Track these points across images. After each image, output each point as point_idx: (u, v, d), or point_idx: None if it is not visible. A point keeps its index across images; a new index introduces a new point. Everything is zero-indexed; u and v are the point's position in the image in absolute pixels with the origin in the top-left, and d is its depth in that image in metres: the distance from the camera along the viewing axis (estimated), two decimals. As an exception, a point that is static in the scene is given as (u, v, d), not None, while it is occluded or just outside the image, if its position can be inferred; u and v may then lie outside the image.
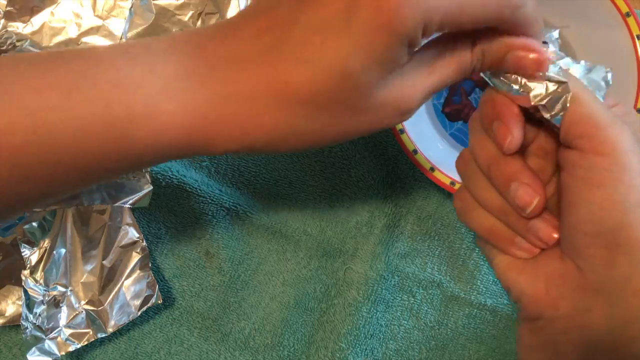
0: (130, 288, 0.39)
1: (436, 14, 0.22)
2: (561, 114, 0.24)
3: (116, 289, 0.39)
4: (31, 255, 0.39)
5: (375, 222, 0.40)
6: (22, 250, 0.39)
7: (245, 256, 0.41)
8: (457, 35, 0.25)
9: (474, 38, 0.25)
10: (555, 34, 0.27)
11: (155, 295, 0.38)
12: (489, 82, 0.26)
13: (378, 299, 0.39)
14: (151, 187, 0.38)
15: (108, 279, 0.39)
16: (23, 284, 0.38)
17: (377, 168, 0.41)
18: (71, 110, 0.22)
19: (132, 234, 0.39)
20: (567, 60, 0.26)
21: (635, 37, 0.34)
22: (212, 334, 0.40)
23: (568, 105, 0.24)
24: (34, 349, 0.37)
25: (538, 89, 0.24)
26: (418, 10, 0.21)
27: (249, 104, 0.23)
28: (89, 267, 0.39)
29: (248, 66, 0.23)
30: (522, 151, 0.27)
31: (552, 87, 0.24)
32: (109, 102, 0.22)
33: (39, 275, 0.39)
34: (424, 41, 0.24)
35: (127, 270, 0.39)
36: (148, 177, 0.38)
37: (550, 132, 0.26)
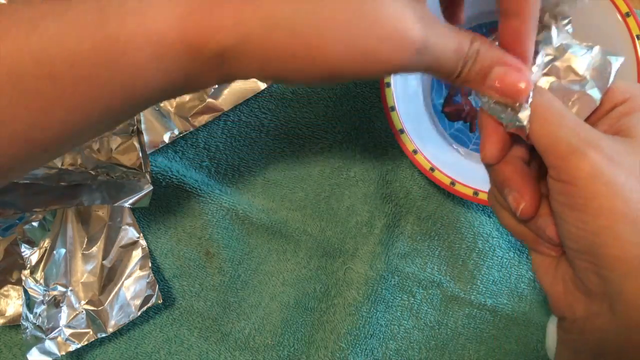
0: (130, 288, 0.39)
1: None
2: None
3: (116, 289, 0.39)
4: (31, 255, 0.39)
5: (375, 222, 0.40)
6: (22, 251, 0.39)
7: (245, 256, 0.41)
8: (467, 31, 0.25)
9: (471, 35, 0.25)
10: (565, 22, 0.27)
11: (155, 295, 0.38)
12: (483, 106, 0.26)
13: (378, 299, 0.39)
14: (151, 187, 0.38)
15: (108, 278, 0.39)
16: (23, 283, 0.38)
17: (377, 168, 0.41)
18: (63, 14, 0.21)
19: (132, 233, 0.39)
20: (576, 48, 0.26)
21: (635, 37, 0.34)
22: (212, 333, 0.40)
23: (526, 132, 0.24)
24: (34, 348, 0.37)
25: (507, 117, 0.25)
26: None
27: None
28: (89, 267, 0.39)
29: None
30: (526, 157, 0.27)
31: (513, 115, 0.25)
32: (101, 2, 0.21)
33: (39, 275, 0.39)
34: None
35: (127, 270, 0.39)
36: (148, 177, 0.38)
37: None
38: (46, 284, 0.39)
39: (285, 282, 0.40)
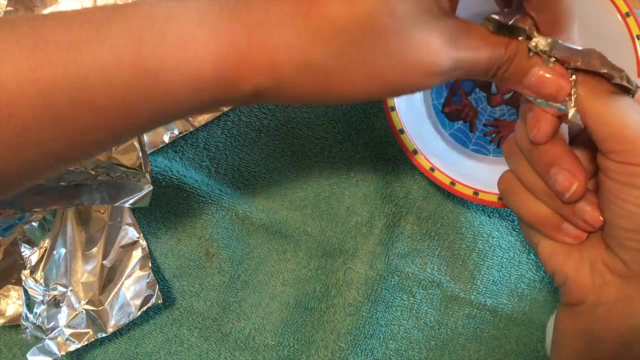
0: (130, 288, 0.39)
1: None
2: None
3: (116, 289, 0.39)
4: (31, 255, 0.39)
5: (375, 222, 0.40)
6: (22, 250, 0.39)
7: (245, 256, 0.41)
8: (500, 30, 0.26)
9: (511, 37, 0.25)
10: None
11: (155, 295, 0.38)
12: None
13: (378, 299, 0.39)
14: (151, 187, 0.38)
15: (108, 278, 0.39)
16: (23, 283, 0.38)
17: (377, 168, 0.41)
18: (102, 42, 0.21)
19: (132, 234, 0.39)
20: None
21: (635, 37, 0.34)
22: (212, 334, 0.40)
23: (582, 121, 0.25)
24: (34, 348, 0.37)
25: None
26: None
27: (277, 32, 0.22)
28: (89, 267, 0.39)
29: None
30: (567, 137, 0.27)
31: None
32: (141, 33, 0.22)
33: (39, 275, 0.39)
34: None
35: (127, 270, 0.39)
36: (148, 177, 0.38)
37: None
38: (46, 284, 0.39)
39: (285, 282, 0.40)
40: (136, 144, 0.37)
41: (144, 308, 0.38)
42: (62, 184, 0.38)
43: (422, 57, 0.24)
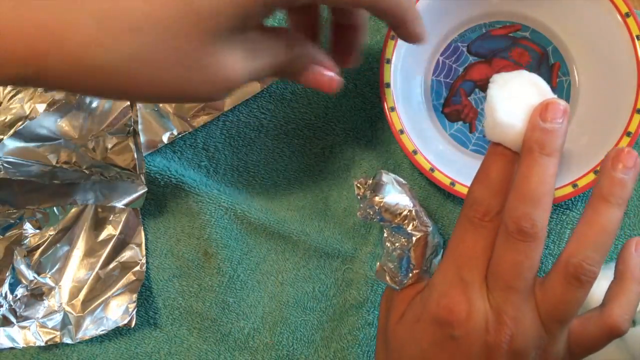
0: (113, 305, 0.39)
1: None
2: None
3: (99, 301, 0.38)
4: (32, 236, 0.38)
5: (375, 222, 0.40)
6: (24, 227, 0.38)
7: (244, 256, 0.41)
8: (283, 32, 0.28)
9: (292, 41, 0.28)
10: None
11: (129, 318, 0.38)
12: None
13: (377, 299, 0.39)
14: (146, 189, 0.38)
15: (97, 289, 0.39)
16: (13, 261, 0.37)
17: (376, 168, 0.41)
18: None
19: (136, 254, 0.39)
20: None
21: (635, 37, 0.34)
22: (211, 334, 0.40)
23: None
24: (0, 329, 0.37)
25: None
26: None
27: (56, 16, 0.21)
28: (84, 272, 0.39)
29: None
30: None
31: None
32: None
33: (33, 260, 0.38)
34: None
35: (118, 288, 0.39)
36: (143, 178, 0.38)
37: None
38: (37, 272, 0.38)
39: (284, 281, 0.40)
40: (132, 144, 0.37)
41: (113, 327, 0.38)
42: (56, 182, 0.38)
43: (221, 73, 0.24)
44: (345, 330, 0.39)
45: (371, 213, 0.32)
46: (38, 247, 0.38)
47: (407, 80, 0.38)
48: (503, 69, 0.39)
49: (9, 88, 0.37)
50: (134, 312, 0.38)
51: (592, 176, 0.34)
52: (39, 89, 0.37)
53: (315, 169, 0.41)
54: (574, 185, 0.35)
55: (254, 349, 0.40)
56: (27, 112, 0.36)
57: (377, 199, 0.32)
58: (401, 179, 0.34)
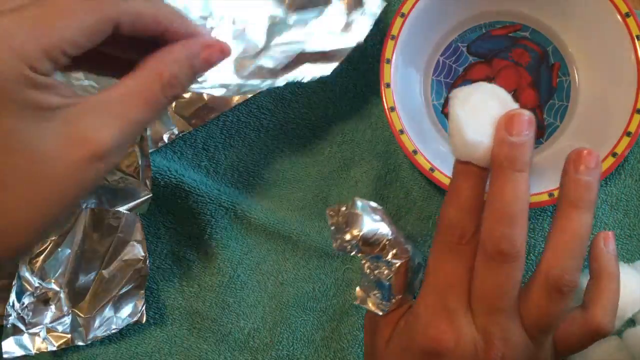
0: (121, 303, 0.39)
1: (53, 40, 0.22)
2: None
3: (106, 301, 0.39)
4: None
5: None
6: None
7: (244, 256, 0.41)
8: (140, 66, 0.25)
9: (159, 66, 0.25)
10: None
11: (139, 314, 0.38)
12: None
13: (377, 299, 0.39)
14: (150, 194, 0.38)
15: (103, 289, 0.39)
16: (19, 270, 0.37)
17: (376, 168, 0.41)
18: None
19: (138, 251, 0.39)
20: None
21: (635, 37, 0.34)
22: (211, 334, 0.40)
23: None
24: (10, 338, 0.37)
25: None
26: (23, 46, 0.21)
27: None
28: (88, 274, 0.39)
29: None
30: None
31: None
32: None
33: (37, 266, 0.38)
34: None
35: (123, 286, 0.39)
36: (148, 183, 0.38)
37: None
38: (42, 278, 0.38)
39: (284, 281, 0.40)
40: (137, 150, 0.37)
41: (124, 324, 0.38)
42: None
43: (75, 147, 0.23)
44: (345, 330, 0.39)
45: (348, 247, 0.31)
46: (40, 253, 0.38)
47: (407, 80, 0.38)
48: (503, 69, 0.39)
49: None
50: (144, 308, 0.38)
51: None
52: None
53: (315, 169, 0.41)
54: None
55: (254, 349, 0.40)
56: None
57: (354, 232, 0.31)
58: (375, 204, 0.32)
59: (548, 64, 0.38)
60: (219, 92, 0.33)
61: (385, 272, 0.31)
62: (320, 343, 0.39)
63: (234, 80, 0.34)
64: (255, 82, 0.34)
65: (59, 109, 0.23)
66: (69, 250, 0.39)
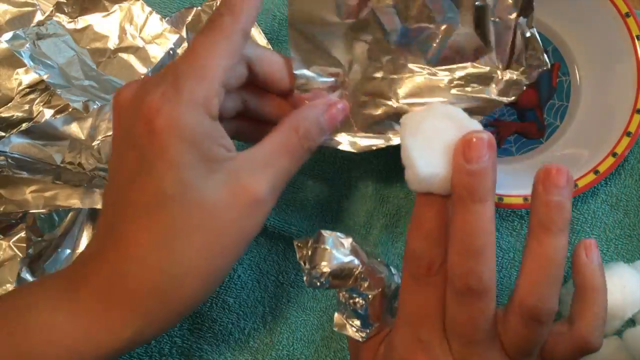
0: None
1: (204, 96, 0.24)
2: None
3: None
4: (34, 244, 0.38)
5: (374, 222, 0.40)
6: (26, 235, 0.38)
7: (244, 256, 0.41)
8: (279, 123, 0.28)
9: (294, 123, 0.28)
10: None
11: None
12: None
13: (377, 299, 0.39)
14: None
15: None
16: (19, 271, 0.37)
17: (377, 168, 0.41)
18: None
19: None
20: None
21: (635, 37, 0.34)
22: (211, 334, 0.40)
23: None
24: None
25: None
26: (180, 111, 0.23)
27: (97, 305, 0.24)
28: None
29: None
30: None
31: None
32: (8, 322, 0.24)
33: (38, 268, 0.38)
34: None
35: None
36: None
37: None
38: None
39: (284, 281, 0.41)
40: None
41: None
42: (58, 182, 0.38)
43: (239, 198, 0.25)
44: (345, 330, 0.39)
45: (318, 283, 0.30)
46: (40, 254, 0.38)
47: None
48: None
49: (23, 85, 0.37)
50: None
51: (592, 176, 0.34)
52: (53, 94, 0.37)
53: (315, 169, 0.41)
54: (574, 185, 0.35)
55: (254, 349, 0.40)
56: (34, 115, 0.37)
57: (322, 268, 0.30)
58: (343, 235, 0.31)
59: (548, 64, 0.38)
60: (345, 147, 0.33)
61: (361, 302, 0.31)
62: (320, 343, 0.40)
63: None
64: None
65: (224, 161, 0.25)
66: (69, 251, 0.39)
